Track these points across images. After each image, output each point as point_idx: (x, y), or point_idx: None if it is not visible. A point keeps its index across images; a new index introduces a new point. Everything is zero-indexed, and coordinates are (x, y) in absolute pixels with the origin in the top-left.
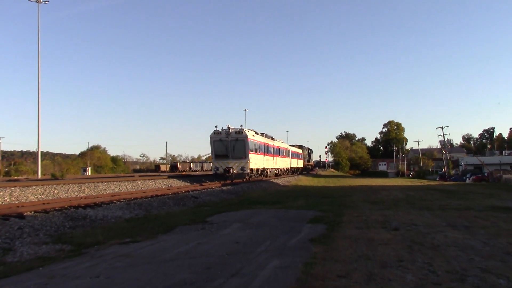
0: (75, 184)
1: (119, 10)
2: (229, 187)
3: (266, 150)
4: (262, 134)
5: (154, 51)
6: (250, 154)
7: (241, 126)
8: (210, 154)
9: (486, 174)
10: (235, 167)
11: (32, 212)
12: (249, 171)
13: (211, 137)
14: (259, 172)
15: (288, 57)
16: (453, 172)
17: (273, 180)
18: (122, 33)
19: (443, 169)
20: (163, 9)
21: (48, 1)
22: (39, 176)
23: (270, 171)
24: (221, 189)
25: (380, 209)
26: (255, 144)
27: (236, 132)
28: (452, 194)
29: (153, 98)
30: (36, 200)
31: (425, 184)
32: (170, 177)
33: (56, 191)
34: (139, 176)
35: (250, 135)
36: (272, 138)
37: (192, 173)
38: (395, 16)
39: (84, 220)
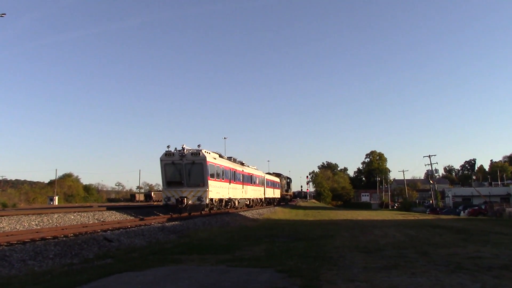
0: None
1: (98, 39)
2: (176, 222)
3: (233, 177)
4: (229, 158)
5: (127, 77)
6: (209, 181)
7: (198, 146)
8: None
9: (483, 207)
10: (190, 197)
11: None
12: (208, 201)
13: (161, 160)
14: (223, 203)
15: (270, 85)
16: (441, 203)
17: (242, 213)
18: (92, 59)
19: (430, 201)
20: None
21: (5, 14)
22: None
23: (238, 202)
24: (163, 225)
25: (382, 268)
26: (217, 169)
27: (192, 154)
28: (466, 234)
29: (129, 125)
30: None
31: (419, 219)
32: (110, 208)
33: None
34: (98, 206)
35: (211, 158)
36: (243, 164)
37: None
38: (380, 47)
39: None
